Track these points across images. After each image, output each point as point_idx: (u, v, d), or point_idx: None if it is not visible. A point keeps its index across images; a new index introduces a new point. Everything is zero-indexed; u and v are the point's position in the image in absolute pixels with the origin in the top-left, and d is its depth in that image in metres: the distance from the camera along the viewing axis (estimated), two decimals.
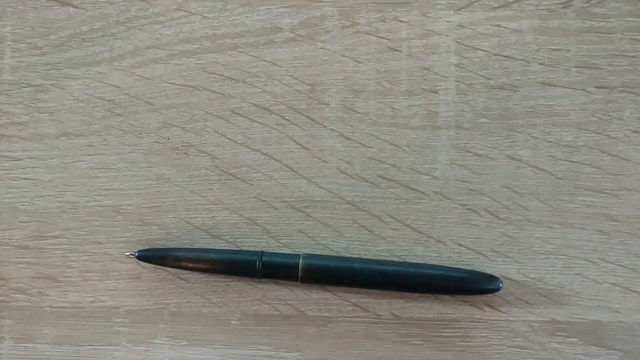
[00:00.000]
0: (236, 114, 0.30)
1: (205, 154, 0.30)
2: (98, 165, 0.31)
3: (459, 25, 0.30)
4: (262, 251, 0.29)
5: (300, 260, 0.28)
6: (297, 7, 0.31)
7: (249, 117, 0.30)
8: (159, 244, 0.30)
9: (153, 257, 0.29)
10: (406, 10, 0.30)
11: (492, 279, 0.28)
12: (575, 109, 0.30)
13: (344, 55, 0.30)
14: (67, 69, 0.31)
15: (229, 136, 0.30)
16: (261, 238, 0.30)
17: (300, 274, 0.28)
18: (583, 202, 0.29)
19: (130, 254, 0.29)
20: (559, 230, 0.29)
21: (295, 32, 0.31)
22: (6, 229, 0.31)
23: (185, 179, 0.30)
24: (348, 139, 0.30)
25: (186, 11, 0.31)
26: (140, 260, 0.29)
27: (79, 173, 0.31)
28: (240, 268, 0.29)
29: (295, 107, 0.30)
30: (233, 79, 0.31)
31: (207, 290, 0.30)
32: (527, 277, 0.29)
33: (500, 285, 0.28)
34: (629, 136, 0.30)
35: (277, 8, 0.31)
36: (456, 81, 0.30)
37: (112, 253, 0.30)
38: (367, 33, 0.30)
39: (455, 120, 0.30)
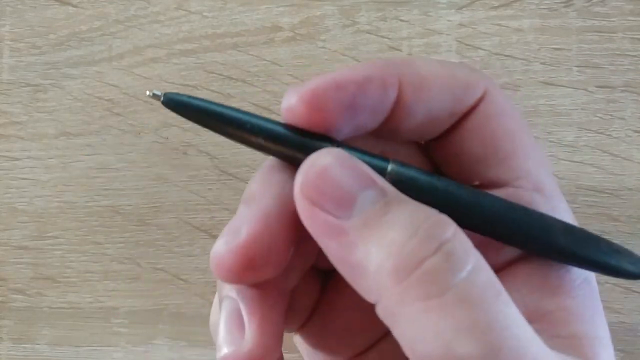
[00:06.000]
0: None
1: (204, 154, 0.30)
2: (97, 165, 0.30)
3: (460, 25, 0.30)
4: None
5: (390, 165, 0.18)
6: (297, 6, 0.31)
7: None
8: (158, 244, 0.30)
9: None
10: (407, 9, 0.30)
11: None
12: (576, 109, 0.30)
13: (344, 55, 0.30)
14: (66, 69, 0.31)
15: None
16: None
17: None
18: (584, 202, 0.29)
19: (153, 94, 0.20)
20: None
21: (295, 31, 0.30)
22: (5, 229, 0.30)
23: (184, 179, 0.30)
24: None
25: (185, 10, 0.31)
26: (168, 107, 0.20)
27: (78, 173, 0.30)
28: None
29: None
30: (232, 78, 0.30)
31: (207, 291, 0.30)
32: None
33: None
34: (630, 136, 0.29)
35: (277, 7, 0.31)
36: None
37: (111, 253, 0.30)
38: (368, 32, 0.30)
39: None
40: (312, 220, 0.16)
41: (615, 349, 0.29)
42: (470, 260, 0.15)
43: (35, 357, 0.30)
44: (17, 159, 0.31)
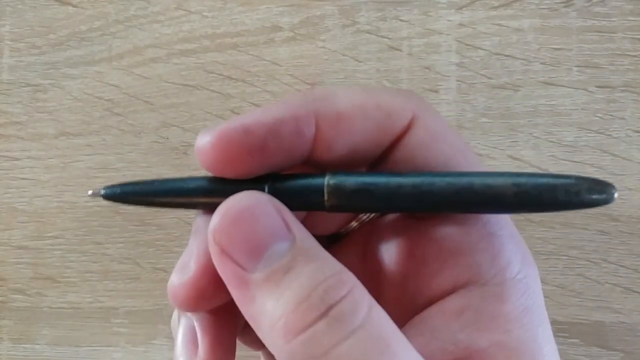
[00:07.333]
0: (236, 113, 0.30)
1: None
2: (97, 165, 0.30)
3: (460, 24, 0.30)
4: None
5: (327, 179, 0.18)
6: (297, 5, 0.31)
7: None
8: (158, 244, 0.30)
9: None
10: (407, 9, 0.30)
11: (602, 185, 0.17)
12: (576, 109, 0.30)
13: (344, 55, 0.30)
14: (65, 69, 0.31)
15: None
16: None
17: (326, 197, 0.18)
18: None
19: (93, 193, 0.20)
20: (560, 231, 0.29)
21: (295, 31, 0.30)
22: (5, 229, 0.30)
23: None
24: None
25: (185, 10, 0.31)
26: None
27: (78, 173, 0.30)
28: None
29: None
30: (232, 79, 0.30)
31: None
32: None
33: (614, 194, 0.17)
34: (630, 136, 0.29)
35: (277, 7, 0.31)
36: (457, 80, 0.30)
37: (111, 253, 0.30)
38: (368, 32, 0.30)
39: (456, 120, 0.30)
40: (220, 268, 0.16)
41: (615, 349, 0.29)
42: (356, 320, 0.15)
43: (35, 357, 0.30)
44: (17, 159, 0.31)
